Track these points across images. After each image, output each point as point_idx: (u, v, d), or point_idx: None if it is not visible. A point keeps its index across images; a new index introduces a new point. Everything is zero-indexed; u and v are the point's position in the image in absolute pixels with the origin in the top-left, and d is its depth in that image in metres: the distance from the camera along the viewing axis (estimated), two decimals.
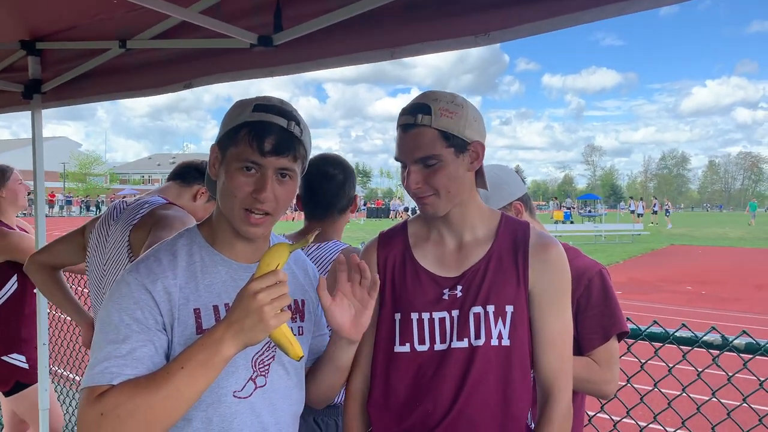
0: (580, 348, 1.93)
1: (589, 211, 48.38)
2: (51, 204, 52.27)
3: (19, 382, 3.45)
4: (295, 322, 1.58)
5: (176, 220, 2.29)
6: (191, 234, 1.50)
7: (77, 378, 5.16)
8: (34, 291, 3.42)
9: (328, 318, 1.49)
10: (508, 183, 2.17)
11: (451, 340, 1.55)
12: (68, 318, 3.05)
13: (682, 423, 2.40)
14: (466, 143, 1.53)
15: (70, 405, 4.86)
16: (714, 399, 2.33)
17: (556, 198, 61.78)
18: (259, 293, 1.23)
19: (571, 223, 38.42)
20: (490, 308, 1.54)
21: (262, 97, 1.45)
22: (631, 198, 57.84)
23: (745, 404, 2.31)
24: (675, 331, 2.39)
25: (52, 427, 3.49)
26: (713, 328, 2.33)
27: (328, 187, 2.22)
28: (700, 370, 2.38)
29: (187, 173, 2.64)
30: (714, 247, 25.16)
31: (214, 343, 1.23)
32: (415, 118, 1.51)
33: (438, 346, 1.56)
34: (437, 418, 1.53)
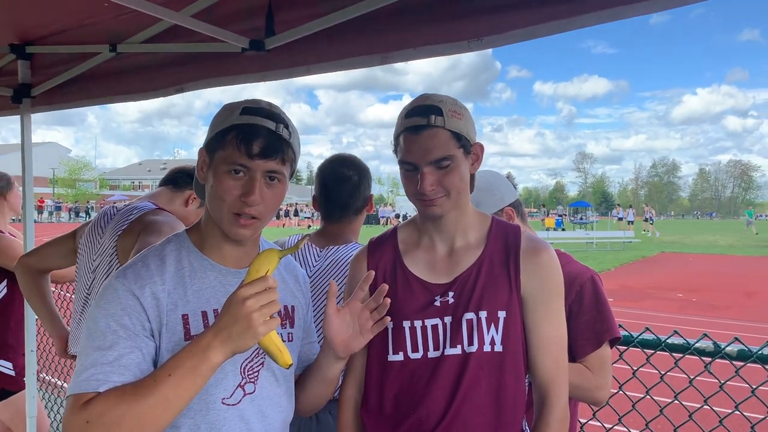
0: (572, 354, 1.92)
1: (581, 219, 48.60)
2: (40, 210, 51.97)
3: (4, 389, 3.40)
4: (285, 328, 1.57)
5: (165, 225, 2.27)
6: (180, 239, 1.48)
7: (65, 385, 5.11)
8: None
9: (325, 325, 1.49)
10: (499, 189, 2.17)
11: (444, 347, 1.54)
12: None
13: (674, 430, 2.39)
14: (470, 145, 1.54)
15: (58, 413, 4.81)
16: (706, 406, 2.32)
17: (544, 205, 61.97)
18: (248, 300, 1.21)
19: (563, 230, 38.57)
20: (483, 314, 1.53)
21: (250, 100, 1.44)
22: (618, 206, 58.01)
23: (737, 411, 2.30)
24: (667, 338, 2.39)
25: None
26: (705, 335, 2.32)
27: (343, 189, 2.23)
28: (692, 377, 2.38)
29: (178, 178, 2.63)
30: (705, 255, 25.29)
31: (202, 350, 1.22)
32: (428, 119, 1.49)
33: (431, 354, 1.55)
34: (431, 425, 1.52)
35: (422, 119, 1.50)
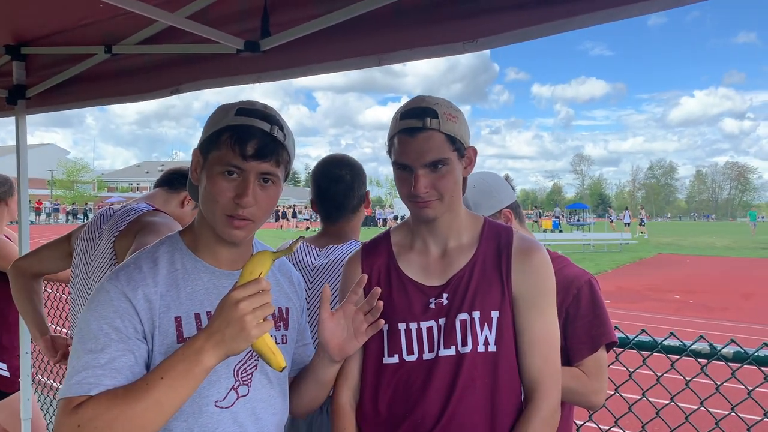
0: (568, 358, 1.92)
1: (578, 220, 48.63)
2: (38, 211, 51.87)
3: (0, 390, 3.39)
4: (279, 330, 1.56)
5: (162, 226, 2.26)
6: (173, 241, 1.47)
7: (60, 386, 5.08)
8: None
9: (320, 329, 1.48)
10: (497, 190, 2.16)
11: (438, 348, 1.53)
12: (52, 326, 3.00)
13: None
14: (464, 148, 1.54)
15: (54, 415, 4.79)
16: (702, 408, 2.32)
17: (537, 207, 61.98)
18: (240, 302, 1.21)
19: (560, 232, 38.58)
20: (476, 314, 1.53)
21: (245, 101, 1.43)
22: (611, 208, 58.17)
23: (733, 413, 2.30)
24: (663, 340, 2.39)
25: None
26: (701, 337, 2.32)
27: (337, 189, 2.24)
28: (688, 379, 2.38)
29: (174, 180, 2.62)
30: (701, 257, 25.32)
31: (195, 353, 1.21)
32: (424, 121, 1.49)
33: (426, 356, 1.55)
34: (427, 427, 1.51)
35: (418, 121, 1.49)
